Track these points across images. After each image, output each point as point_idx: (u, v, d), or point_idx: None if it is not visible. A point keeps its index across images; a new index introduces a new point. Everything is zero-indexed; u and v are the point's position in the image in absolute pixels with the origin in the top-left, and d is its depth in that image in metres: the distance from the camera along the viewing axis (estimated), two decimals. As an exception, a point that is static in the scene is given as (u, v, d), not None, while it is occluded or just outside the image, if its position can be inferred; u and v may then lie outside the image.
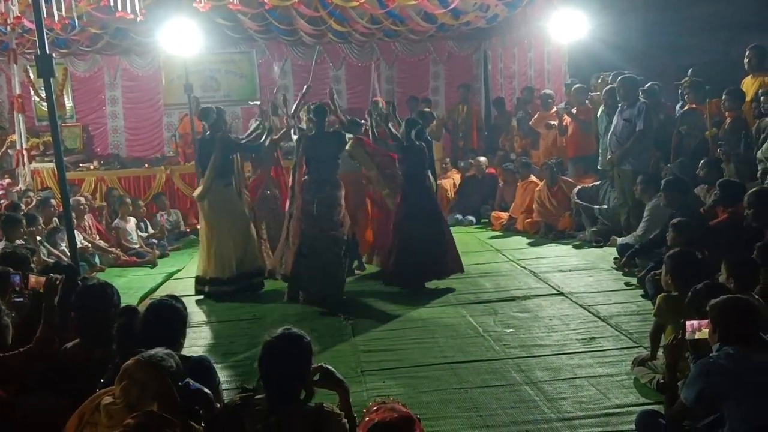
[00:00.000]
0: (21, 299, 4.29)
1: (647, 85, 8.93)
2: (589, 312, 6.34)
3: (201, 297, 7.49)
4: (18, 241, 7.38)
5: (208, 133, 7.57)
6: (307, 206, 6.95)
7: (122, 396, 2.89)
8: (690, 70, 8.85)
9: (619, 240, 8.07)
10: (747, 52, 7.94)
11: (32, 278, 4.29)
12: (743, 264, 4.54)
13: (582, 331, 5.86)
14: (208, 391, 3.10)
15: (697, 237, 5.82)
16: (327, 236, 6.92)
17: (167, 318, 3.61)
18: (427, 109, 9.49)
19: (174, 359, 3.04)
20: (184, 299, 4.00)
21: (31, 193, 9.52)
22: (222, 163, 7.34)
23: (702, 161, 7.33)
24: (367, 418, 2.73)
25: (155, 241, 10.08)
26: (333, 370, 3.17)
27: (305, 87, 8.24)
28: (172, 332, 3.56)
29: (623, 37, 10.66)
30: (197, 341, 6.02)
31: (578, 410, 4.45)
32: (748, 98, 7.79)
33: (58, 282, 4.06)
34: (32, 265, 5.68)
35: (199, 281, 7.53)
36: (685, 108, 8.64)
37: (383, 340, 5.95)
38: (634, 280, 7.07)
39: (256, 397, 3.01)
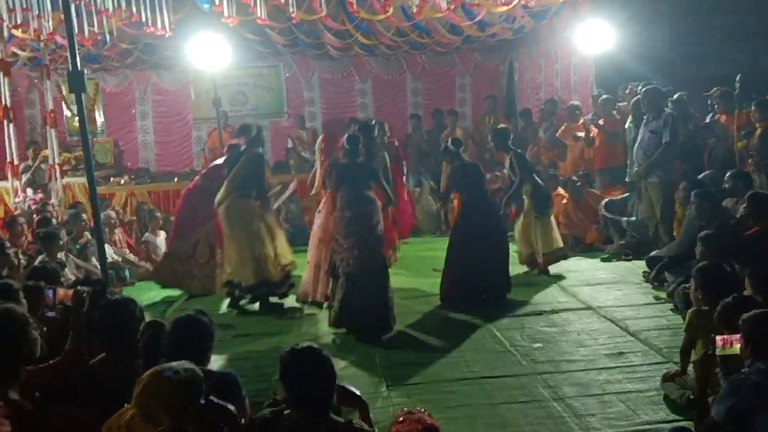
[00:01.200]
0: (53, 314, 4.34)
1: (676, 96, 8.86)
2: (618, 326, 6.27)
3: (228, 310, 7.53)
4: (59, 255, 7.49)
5: (243, 147, 7.64)
6: (344, 225, 6.45)
7: (136, 406, 2.91)
8: (739, 76, 8.73)
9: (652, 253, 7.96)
10: None
11: (60, 291, 4.36)
12: (766, 277, 4.47)
13: (611, 346, 5.80)
14: (232, 408, 3.11)
15: (727, 250, 5.74)
16: (369, 254, 6.42)
17: (194, 332, 3.63)
18: (372, 121, 9.20)
19: (194, 372, 3.03)
20: (211, 313, 4.04)
21: (50, 207, 9.62)
22: (243, 177, 7.37)
23: (728, 173, 7.23)
24: (394, 429, 2.73)
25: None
26: (346, 385, 3.15)
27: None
28: (199, 347, 3.58)
29: (650, 48, 10.60)
30: (224, 356, 6.05)
31: (607, 427, 4.41)
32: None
33: (85, 295, 4.10)
34: (62, 279, 5.76)
35: (227, 284, 7.64)
36: (714, 118, 8.55)
37: (409, 354, 5.95)
38: (663, 294, 6.99)
39: (286, 411, 3.01)
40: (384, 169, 7.61)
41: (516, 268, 8.08)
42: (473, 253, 7.17)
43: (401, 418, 2.74)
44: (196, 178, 8.76)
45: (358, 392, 3.18)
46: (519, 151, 8.36)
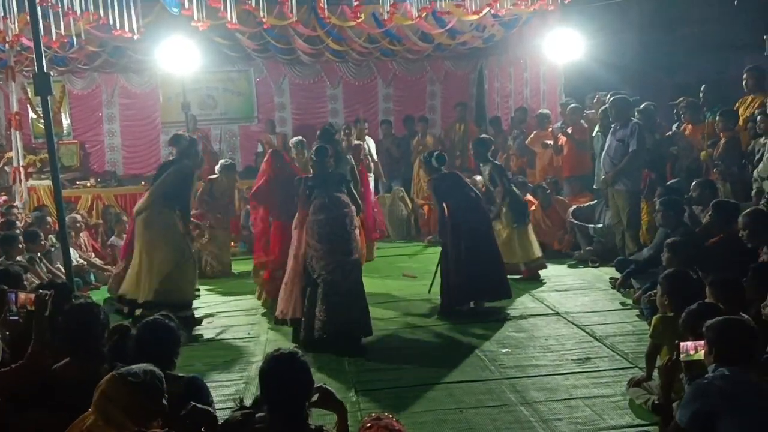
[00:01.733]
0: (16, 318, 4.26)
1: (642, 105, 8.97)
2: (585, 332, 6.33)
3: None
4: (18, 258, 7.35)
5: (173, 157, 7.42)
6: (317, 231, 6.26)
7: (96, 411, 2.88)
8: (703, 87, 8.87)
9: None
10: (744, 74, 8.00)
11: (22, 295, 4.27)
12: (727, 285, 4.53)
13: (577, 352, 5.85)
14: (212, 411, 3.10)
15: (692, 257, 5.83)
16: (347, 260, 6.24)
17: (160, 337, 3.60)
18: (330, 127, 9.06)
19: (154, 374, 3.01)
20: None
21: (15, 210, 9.45)
22: (170, 189, 7.05)
23: (694, 182, 7.35)
24: None
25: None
26: (332, 391, 3.15)
27: None
28: (166, 351, 3.55)
29: (619, 57, 10.73)
30: (190, 360, 5.98)
31: (573, 431, 4.43)
32: (743, 118, 7.85)
33: (47, 298, 4.04)
34: (25, 282, 5.65)
35: (119, 300, 7.24)
36: (680, 128, 8.69)
37: (378, 360, 5.93)
38: (629, 300, 7.07)
39: (257, 415, 3.00)
40: (351, 173, 7.51)
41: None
42: (469, 260, 7.05)
43: (369, 424, 2.72)
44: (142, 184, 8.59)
45: (339, 398, 3.16)
46: (497, 162, 8.40)
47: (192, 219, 7.79)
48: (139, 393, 2.91)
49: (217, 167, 9.73)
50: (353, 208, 6.53)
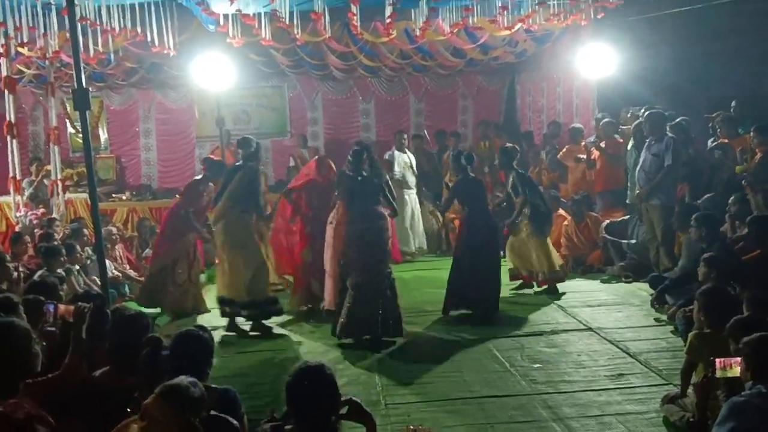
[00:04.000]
0: (53, 329, 4.35)
1: (676, 121, 8.89)
2: (618, 348, 6.26)
3: (227, 329, 7.46)
4: (59, 271, 7.50)
5: (239, 162, 7.59)
6: (355, 240, 6.66)
7: (149, 419, 2.91)
8: (734, 102, 8.79)
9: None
10: None
11: (61, 307, 4.36)
12: (765, 302, 4.46)
13: (611, 368, 5.79)
14: (235, 422, 3.12)
15: (729, 272, 5.74)
16: (382, 267, 6.68)
17: (194, 348, 3.63)
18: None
19: (198, 387, 3.06)
20: (211, 329, 4.04)
21: (57, 223, 9.64)
22: (242, 191, 7.32)
23: (733, 196, 7.25)
24: None
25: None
26: (361, 402, 3.16)
27: None
28: (199, 362, 3.58)
29: (652, 71, 10.64)
30: (223, 371, 6.02)
31: (606, 448, 4.39)
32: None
33: (86, 310, 4.11)
34: (61, 293, 5.76)
35: (220, 301, 7.54)
36: (717, 142, 8.59)
37: (408, 373, 5.93)
38: (664, 316, 6.98)
39: (286, 427, 3.01)
40: (387, 186, 7.58)
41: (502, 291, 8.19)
42: (470, 268, 7.39)
43: (408, 435, 2.73)
44: (177, 197, 8.72)
45: (368, 409, 3.17)
46: (521, 171, 8.39)
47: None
48: (186, 416, 2.96)
49: None
50: (389, 219, 6.89)
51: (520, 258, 8.44)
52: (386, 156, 11.66)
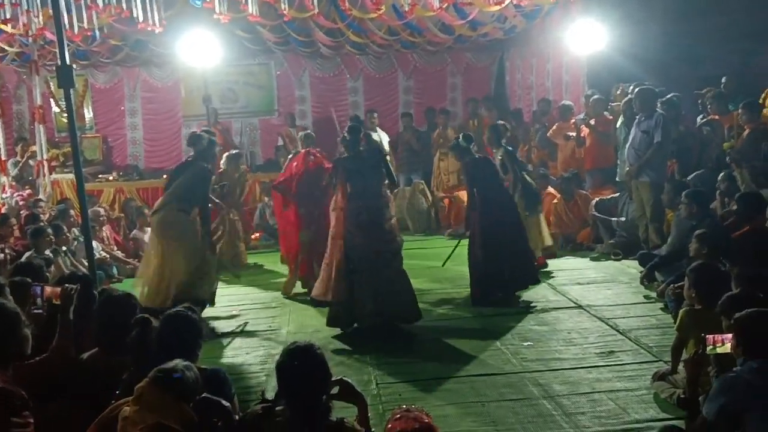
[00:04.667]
0: (40, 311, 4.30)
1: (666, 97, 8.86)
2: (608, 325, 6.27)
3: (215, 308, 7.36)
4: (46, 252, 7.44)
5: (190, 156, 7.20)
6: (355, 218, 6.37)
7: (140, 420, 2.88)
8: (724, 78, 8.78)
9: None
10: None
11: (48, 289, 4.30)
12: (753, 278, 4.47)
13: (601, 345, 5.80)
14: (227, 404, 3.10)
15: (720, 249, 5.75)
16: (383, 250, 6.37)
17: (183, 329, 3.61)
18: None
19: (193, 371, 3.05)
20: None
21: (42, 203, 9.56)
22: (187, 190, 6.82)
23: (723, 173, 7.25)
24: (390, 425, 2.71)
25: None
26: (352, 383, 3.15)
27: None
28: (188, 343, 3.55)
29: (642, 48, 10.60)
30: (213, 352, 6.01)
31: (597, 425, 4.40)
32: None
33: (73, 292, 4.07)
34: (48, 274, 5.71)
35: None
36: (708, 118, 8.58)
37: (398, 352, 5.93)
38: (653, 294, 7.00)
39: (277, 408, 3.00)
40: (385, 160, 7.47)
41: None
42: (496, 249, 7.09)
43: (398, 415, 2.71)
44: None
45: (359, 389, 3.16)
46: (510, 149, 8.34)
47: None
48: (182, 402, 2.95)
49: (222, 161, 9.49)
50: (390, 195, 6.72)
51: None
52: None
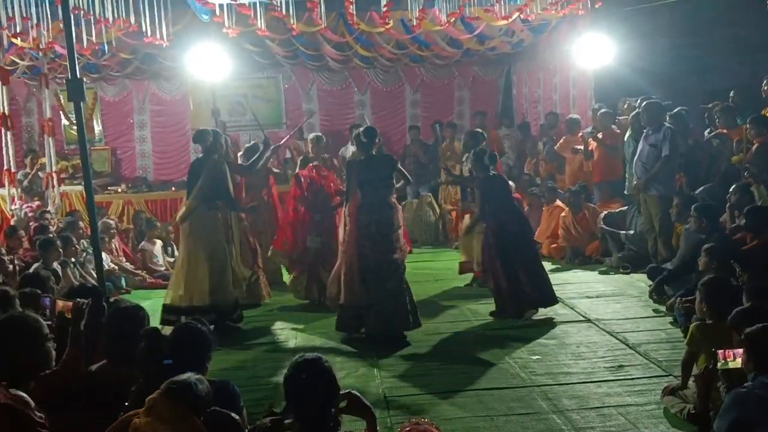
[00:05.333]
0: (48, 323, 4.31)
1: (675, 111, 8.86)
2: (617, 339, 6.24)
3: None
4: (55, 264, 7.46)
5: (201, 155, 7.33)
6: (364, 229, 6.53)
7: (154, 414, 2.89)
8: (732, 92, 8.79)
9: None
10: (765, 81, 7.93)
11: (59, 302, 4.32)
12: (764, 293, 4.45)
13: (610, 359, 5.77)
14: (236, 417, 3.10)
15: (730, 263, 5.73)
16: (389, 260, 6.52)
17: (193, 341, 3.60)
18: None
19: (205, 384, 3.05)
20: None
21: (48, 215, 9.60)
22: (209, 187, 7.01)
23: (733, 186, 7.22)
24: None
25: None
26: (360, 396, 3.14)
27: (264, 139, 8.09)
28: (198, 356, 3.55)
29: (649, 62, 10.63)
30: (221, 365, 6.00)
31: (607, 440, 4.37)
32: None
33: (84, 306, 4.08)
34: (53, 285, 5.73)
35: (170, 310, 6.97)
36: (716, 132, 8.57)
37: (407, 365, 5.91)
38: (662, 308, 6.96)
39: (286, 421, 2.99)
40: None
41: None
42: (511, 265, 7.05)
43: (408, 428, 2.71)
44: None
45: (368, 403, 3.15)
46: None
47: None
48: (193, 416, 2.95)
49: (240, 153, 9.61)
50: (398, 206, 6.83)
51: (471, 251, 8.22)
52: (341, 152, 11.64)
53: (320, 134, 9.29)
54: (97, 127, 14.38)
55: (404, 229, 8.57)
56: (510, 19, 9.62)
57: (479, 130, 9.07)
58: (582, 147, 10.31)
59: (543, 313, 7.16)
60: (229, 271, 7.16)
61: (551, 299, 7.16)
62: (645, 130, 8.50)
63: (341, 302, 6.66)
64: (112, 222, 9.86)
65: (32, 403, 3.10)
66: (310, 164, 8.31)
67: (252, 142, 10.01)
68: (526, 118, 13.62)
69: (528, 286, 7.03)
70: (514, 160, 12.69)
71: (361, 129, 7.15)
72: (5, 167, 10.27)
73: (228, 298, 7.09)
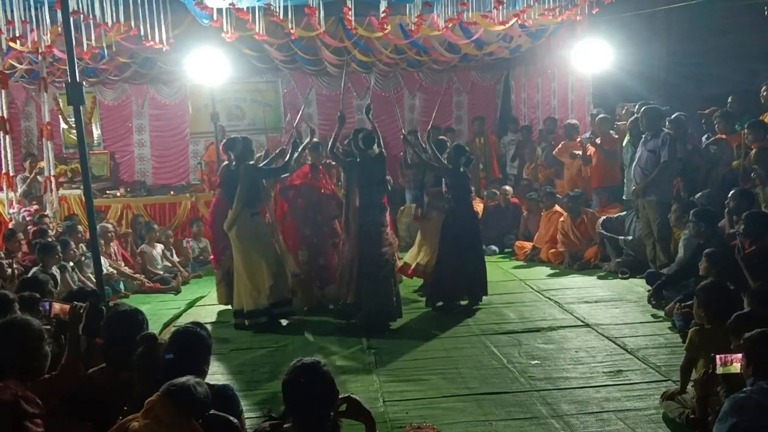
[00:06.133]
0: (47, 326, 4.31)
1: (674, 116, 8.88)
2: (616, 344, 6.25)
3: (222, 325, 7.51)
4: (54, 268, 7.46)
5: (234, 163, 7.55)
6: (364, 228, 7.09)
7: (153, 418, 2.88)
8: (731, 98, 8.83)
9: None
10: (763, 87, 7.98)
11: (56, 305, 4.31)
12: (764, 298, 4.45)
13: (609, 364, 5.77)
14: (235, 421, 3.10)
15: (729, 268, 5.73)
16: (380, 254, 7.07)
17: (192, 345, 3.60)
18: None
19: (203, 387, 3.05)
20: (207, 326, 4.01)
21: (47, 219, 9.59)
22: (248, 193, 7.31)
23: (732, 192, 7.21)
24: None
25: (179, 268, 10.07)
26: (360, 400, 3.14)
27: (339, 115, 7.95)
28: (197, 360, 3.55)
29: (647, 67, 10.65)
30: (220, 369, 6.00)
31: (606, 445, 4.37)
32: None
33: (82, 310, 4.08)
34: (52, 289, 5.72)
35: (237, 314, 7.40)
36: (715, 138, 8.59)
37: (406, 370, 5.91)
38: (661, 313, 6.97)
39: (285, 425, 2.99)
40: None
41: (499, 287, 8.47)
42: (456, 257, 7.59)
43: None
44: (217, 191, 8.36)
45: (368, 407, 3.15)
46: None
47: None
48: (192, 410, 2.96)
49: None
50: (386, 209, 7.41)
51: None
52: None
53: (318, 142, 9.28)
54: (96, 131, 14.37)
55: (390, 226, 8.65)
56: (508, 25, 9.63)
57: (459, 143, 9.35)
58: (580, 152, 10.33)
59: (542, 318, 7.18)
60: (283, 268, 7.51)
61: (481, 294, 7.75)
62: (644, 136, 8.51)
63: (348, 301, 7.16)
64: (110, 226, 9.84)
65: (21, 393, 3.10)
66: (307, 163, 8.32)
67: (279, 148, 10.05)
68: (524, 123, 13.60)
69: (465, 278, 7.65)
70: (518, 168, 12.73)
71: (360, 135, 7.38)
72: (4, 171, 10.23)
73: (284, 293, 7.46)
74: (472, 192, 8.23)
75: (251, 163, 7.53)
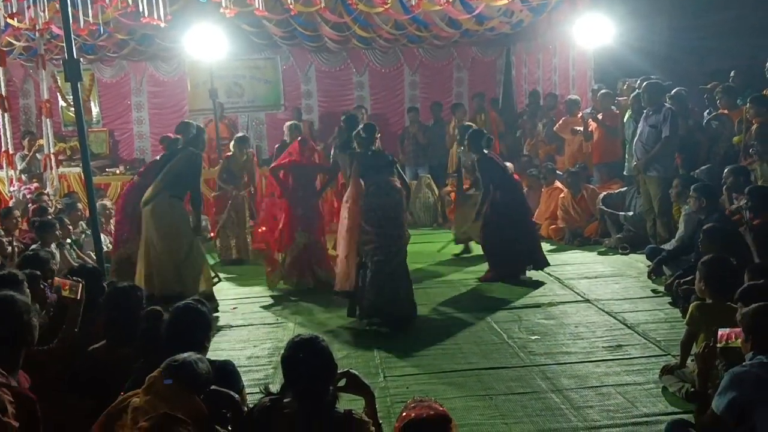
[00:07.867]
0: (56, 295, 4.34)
1: (674, 91, 8.83)
2: (616, 319, 6.26)
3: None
4: (52, 245, 7.44)
5: (179, 145, 7.21)
6: (370, 213, 6.49)
7: (151, 409, 2.89)
8: (733, 72, 8.77)
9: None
10: None
11: (56, 279, 4.33)
12: (765, 270, 4.45)
13: (608, 339, 5.79)
14: (236, 395, 3.11)
15: (730, 243, 5.72)
16: (394, 243, 6.50)
17: (193, 322, 3.60)
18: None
19: (205, 364, 3.06)
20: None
21: (46, 197, 9.57)
22: (176, 177, 6.91)
23: (727, 169, 7.18)
24: (404, 414, 2.72)
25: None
26: (359, 375, 3.16)
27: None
28: (198, 336, 3.55)
29: (649, 42, 10.58)
30: (221, 345, 6.02)
31: (605, 419, 4.39)
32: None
33: (80, 286, 4.10)
34: (53, 267, 5.72)
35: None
36: (717, 113, 8.54)
37: (406, 345, 5.92)
38: (661, 288, 6.98)
39: (284, 400, 3.01)
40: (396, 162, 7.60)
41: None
42: (513, 236, 7.73)
43: (412, 405, 2.72)
44: (134, 177, 8.31)
45: (367, 382, 3.17)
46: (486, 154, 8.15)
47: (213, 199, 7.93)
48: (193, 386, 2.98)
49: (231, 143, 9.85)
50: (404, 192, 6.79)
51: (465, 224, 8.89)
52: (330, 140, 11.59)
53: (296, 123, 9.26)
54: (95, 109, 14.33)
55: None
56: (509, 0, 9.56)
57: (470, 124, 9.25)
58: (581, 128, 10.28)
59: (542, 293, 7.19)
60: (198, 262, 7.02)
61: (542, 262, 7.88)
62: (645, 111, 8.46)
63: (350, 289, 6.62)
64: (108, 203, 9.84)
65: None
66: (297, 139, 8.29)
67: (242, 134, 10.11)
68: (525, 100, 13.50)
69: (524, 253, 7.81)
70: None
71: (361, 126, 7.17)
72: (3, 149, 10.22)
73: (194, 288, 6.81)
74: (505, 166, 8.46)
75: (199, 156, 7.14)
